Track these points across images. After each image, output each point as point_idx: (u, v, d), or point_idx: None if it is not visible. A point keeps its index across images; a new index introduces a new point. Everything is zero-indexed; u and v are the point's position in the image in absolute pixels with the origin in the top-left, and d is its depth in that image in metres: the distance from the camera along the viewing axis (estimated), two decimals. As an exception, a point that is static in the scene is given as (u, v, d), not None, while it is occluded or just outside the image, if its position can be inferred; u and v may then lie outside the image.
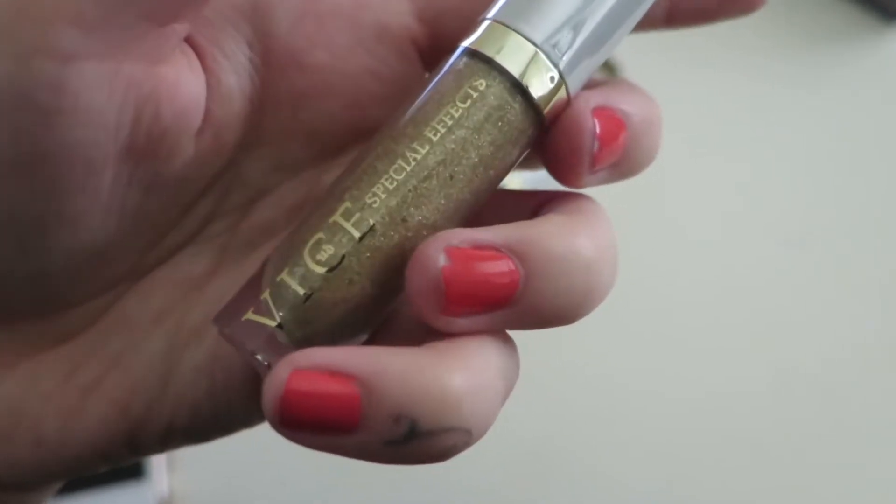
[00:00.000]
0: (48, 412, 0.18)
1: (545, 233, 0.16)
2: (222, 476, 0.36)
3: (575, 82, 0.17)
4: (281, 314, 0.15)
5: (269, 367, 0.15)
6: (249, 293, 0.16)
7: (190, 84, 0.17)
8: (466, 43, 0.17)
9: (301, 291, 0.15)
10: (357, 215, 0.15)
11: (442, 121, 0.16)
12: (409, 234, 0.16)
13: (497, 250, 0.16)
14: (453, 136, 0.16)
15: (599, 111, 0.17)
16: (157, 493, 0.35)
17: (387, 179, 0.16)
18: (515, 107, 0.16)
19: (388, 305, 0.16)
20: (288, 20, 0.18)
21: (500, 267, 0.15)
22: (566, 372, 0.39)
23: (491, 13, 0.17)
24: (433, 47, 0.19)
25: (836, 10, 0.52)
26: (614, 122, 0.18)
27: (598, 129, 0.17)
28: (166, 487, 0.36)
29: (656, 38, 0.49)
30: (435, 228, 0.16)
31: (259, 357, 0.16)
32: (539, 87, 0.16)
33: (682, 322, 0.41)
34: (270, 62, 0.18)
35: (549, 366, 0.36)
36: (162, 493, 0.35)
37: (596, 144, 0.17)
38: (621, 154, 0.18)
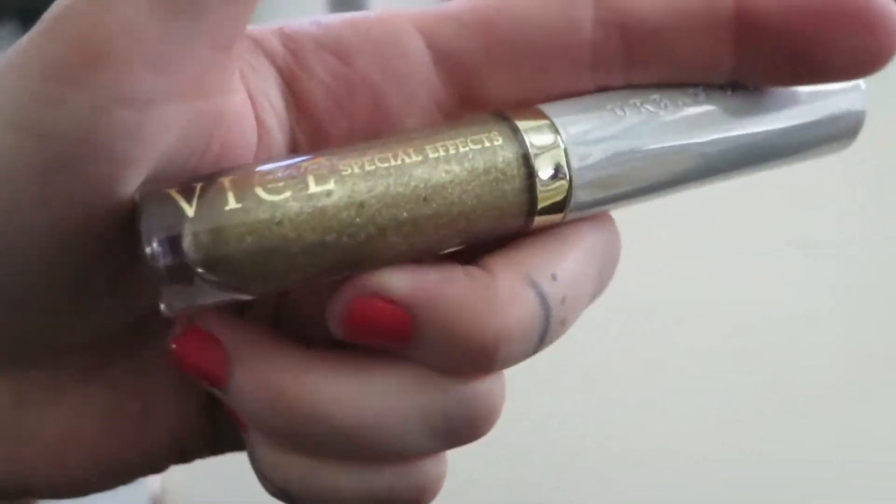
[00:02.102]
0: (105, 442, 0.18)
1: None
2: (215, 472, 0.36)
3: (578, 206, 0.16)
4: (198, 211, 0.14)
5: (152, 255, 0.14)
6: (189, 178, 0.15)
7: (249, 119, 0.16)
8: (508, 114, 0.16)
9: (232, 201, 0.15)
10: (324, 171, 0.15)
11: (446, 146, 0.16)
12: (357, 219, 0.15)
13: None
14: (447, 166, 0.16)
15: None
16: (150, 489, 0.35)
17: (369, 161, 0.15)
18: (515, 180, 0.16)
19: (301, 276, 0.16)
20: (324, 84, 0.17)
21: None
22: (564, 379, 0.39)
23: (548, 107, 0.16)
24: (464, 113, 0.18)
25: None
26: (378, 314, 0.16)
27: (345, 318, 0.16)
28: (159, 483, 0.36)
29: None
30: (383, 234, 0.16)
31: (155, 243, 0.14)
32: (544, 173, 0.16)
33: (678, 324, 0.41)
34: (301, 121, 0.17)
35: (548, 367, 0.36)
36: (154, 490, 0.35)
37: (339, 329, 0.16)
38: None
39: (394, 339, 0.16)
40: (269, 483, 0.18)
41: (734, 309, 0.43)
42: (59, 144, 0.14)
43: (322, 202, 0.15)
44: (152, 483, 0.36)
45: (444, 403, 0.17)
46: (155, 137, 0.14)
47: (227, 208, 0.15)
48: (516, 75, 0.17)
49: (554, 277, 0.17)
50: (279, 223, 0.15)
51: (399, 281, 0.16)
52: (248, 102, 0.16)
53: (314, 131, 0.17)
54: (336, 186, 0.15)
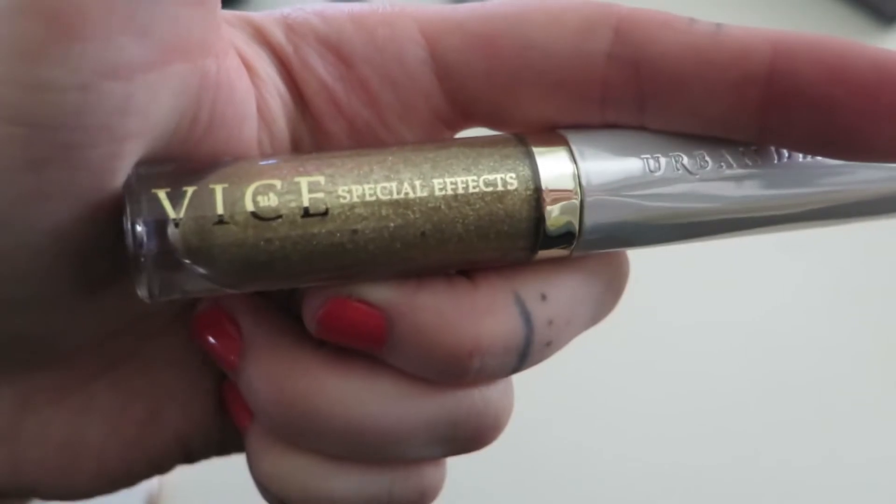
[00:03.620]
0: (109, 446, 0.18)
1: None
2: (212, 469, 0.36)
3: (583, 249, 0.16)
4: (186, 216, 0.14)
5: (141, 247, 0.14)
6: (184, 172, 0.15)
7: (243, 81, 0.16)
8: (534, 144, 0.15)
9: (220, 212, 0.14)
10: (321, 194, 0.14)
11: (455, 183, 0.15)
12: (349, 245, 0.15)
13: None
14: (454, 204, 0.15)
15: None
16: (146, 486, 0.35)
17: (370, 189, 0.15)
18: (522, 224, 0.15)
19: (287, 283, 0.16)
20: (322, 82, 0.16)
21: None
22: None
23: (572, 135, 0.15)
24: (465, 125, 0.17)
25: (833, 13, 0.52)
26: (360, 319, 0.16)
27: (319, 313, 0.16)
28: (156, 481, 0.36)
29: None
30: (373, 260, 0.15)
31: (139, 228, 0.14)
32: (554, 226, 0.15)
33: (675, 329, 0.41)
34: (303, 113, 0.17)
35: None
36: (150, 486, 0.35)
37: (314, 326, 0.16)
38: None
39: (367, 342, 0.16)
40: (267, 491, 0.17)
41: (732, 311, 0.43)
42: (51, 132, 0.12)
43: (315, 229, 0.15)
44: (150, 480, 0.36)
45: (449, 411, 0.17)
46: (146, 107, 0.13)
47: (217, 225, 0.14)
48: (519, 100, 0.16)
49: (543, 297, 0.16)
50: (268, 241, 0.14)
51: (379, 291, 0.16)
52: (242, 69, 0.16)
53: (315, 126, 0.17)
54: (332, 212, 0.15)
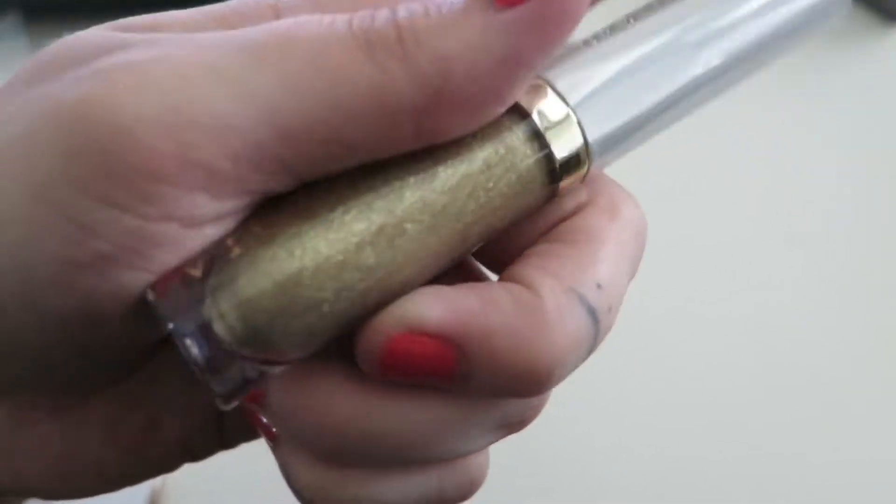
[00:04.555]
0: (109, 454, 0.18)
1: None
2: (215, 465, 0.36)
3: (600, 161, 0.16)
4: (223, 310, 0.14)
5: (188, 346, 0.14)
6: (199, 275, 0.14)
7: None
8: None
9: (254, 297, 0.14)
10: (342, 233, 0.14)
11: (454, 163, 0.15)
12: (378, 274, 0.14)
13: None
14: (458, 178, 0.15)
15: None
16: (149, 481, 0.35)
17: (394, 215, 0.14)
18: (530, 162, 0.15)
19: (331, 331, 0.15)
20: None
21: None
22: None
23: (549, 72, 0.16)
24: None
25: (837, 10, 0.52)
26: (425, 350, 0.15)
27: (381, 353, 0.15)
28: (160, 477, 0.36)
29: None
30: (408, 275, 0.15)
31: (188, 343, 0.14)
32: (562, 149, 0.15)
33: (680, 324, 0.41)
34: None
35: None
36: (154, 481, 0.35)
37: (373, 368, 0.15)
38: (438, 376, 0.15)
39: (435, 377, 0.15)
40: (309, 501, 0.17)
41: (733, 308, 0.43)
42: (98, 242, 0.13)
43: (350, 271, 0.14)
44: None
45: (499, 412, 0.16)
46: (195, 248, 0.14)
47: (259, 307, 0.14)
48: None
49: (599, 286, 0.15)
50: (316, 301, 0.14)
51: (433, 309, 0.14)
52: None
53: None
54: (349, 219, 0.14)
